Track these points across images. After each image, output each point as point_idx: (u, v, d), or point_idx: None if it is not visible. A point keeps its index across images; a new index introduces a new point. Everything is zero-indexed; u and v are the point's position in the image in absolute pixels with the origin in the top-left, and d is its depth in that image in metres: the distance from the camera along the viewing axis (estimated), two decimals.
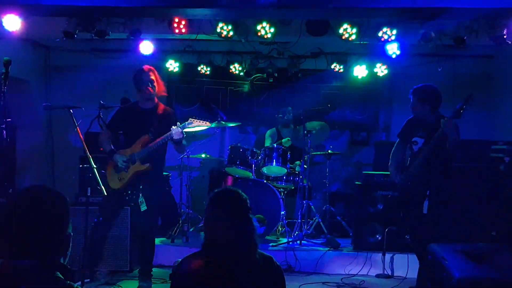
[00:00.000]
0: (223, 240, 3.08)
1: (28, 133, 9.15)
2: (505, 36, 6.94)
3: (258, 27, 7.36)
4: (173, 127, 6.17)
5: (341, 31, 7.36)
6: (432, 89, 6.31)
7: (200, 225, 8.63)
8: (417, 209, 6.26)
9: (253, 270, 3.06)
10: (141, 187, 6.20)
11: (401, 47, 7.58)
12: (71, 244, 2.53)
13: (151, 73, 6.29)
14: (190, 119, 6.40)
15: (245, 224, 3.12)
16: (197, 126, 6.48)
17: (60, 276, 2.37)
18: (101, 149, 6.36)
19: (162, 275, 6.77)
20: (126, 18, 7.26)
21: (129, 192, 6.26)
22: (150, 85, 6.27)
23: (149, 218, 6.32)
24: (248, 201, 3.19)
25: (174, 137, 6.17)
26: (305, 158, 8.24)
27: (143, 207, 6.17)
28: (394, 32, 7.26)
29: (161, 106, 6.42)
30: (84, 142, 5.56)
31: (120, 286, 6.52)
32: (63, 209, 2.51)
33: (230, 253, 3.05)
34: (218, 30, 7.39)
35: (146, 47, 7.98)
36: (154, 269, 6.54)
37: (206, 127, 7.41)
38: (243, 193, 3.21)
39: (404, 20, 7.12)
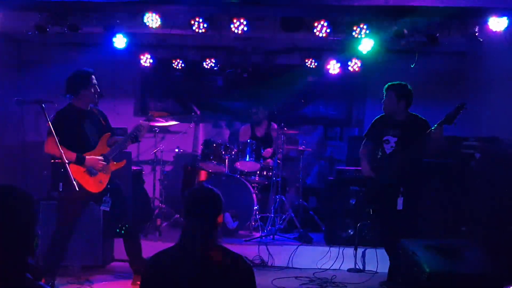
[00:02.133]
0: (187, 238, 3.17)
1: None
2: (477, 34, 7.03)
3: (233, 23, 7.36)
4: (141, 120, 6.21)
5: (315, 27, 7.38)
6: (408, 87, 6.41)
7: (172, 220, 8.64)
8: (390, 205, 6.31)
9: (217, 270, 3.10)
10: (108, 186, 6.14)
11: (373, 44, 7.64)
12: (38, 243, 2.51)
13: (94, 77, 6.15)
14: (150, 112, 6.48)
15: (210, 227, 3.19)
16: (159, 118, 6.50)
17: (30, 277, 2.35)
18: (56, 157, 5.84)
19: None
20: (99, 13, 7.20)
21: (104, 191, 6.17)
22: (97, 92, 6.14)
23: (129, 215, 6.37)
24: (221, 199, 3.27)
25: (142, 131, 6.18)
26: (278, 153, 8.28)
27: (105, 207, 6.10)
28: (367, 28, 7.31)
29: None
30: (56, 138, 5.47)
31: (92, 282, 6.48)
32: (30, 209, 2.49)
33: (190, 252, 3.11)
34: (193, 25, 7.37)
35: (120, 41, 7.93)
36: (125, 264, 6.54)
37: (174, 122, 7.47)
38: (217, 193, 3.28)
39: (377, 17, 7.18)
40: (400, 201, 6.24)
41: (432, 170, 6.96)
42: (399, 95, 6.34)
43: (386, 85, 6.43)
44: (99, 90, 6.11)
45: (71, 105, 6.09)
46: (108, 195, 6.09)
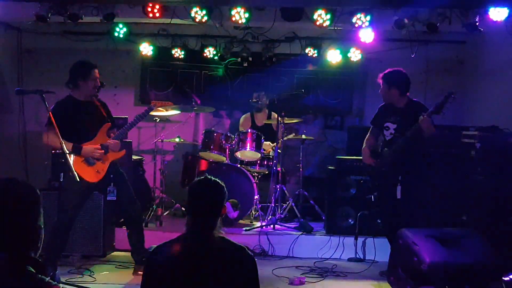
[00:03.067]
0: (191, 230, 3.20)
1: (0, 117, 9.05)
2: (477, 23, 7.02)
3: (233, 12, 7.35)
4: (143, 112, 6.27)
5: (315, 16, 7.38)
6: (399, 73, 6.41)
7: (173, 209, 8.67)
8: (390, 193, 6.33)
9: (220, 260, 3.12)
10: (111, 175, 6.16)
11: (374, 33, 7.63)
12: (42, 237, 2.50)
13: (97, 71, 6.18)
14: (152, 102, 6.53)
15: (213, 219, 3.23)
16: (161, 107, 6.56)
17: (32, 270, 2.34)
18: (55, 147, 6.07)
19: None
20: (99, 2, 7.19)
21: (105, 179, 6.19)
22: (98, 85, 6.17)
23: (138, 203, 6.40)
24: (225, 191, 3.29)
25: (141, 119, 6.24)
26: (279, 143, 8.28)
27: (112, 197, 6.13)
28: (368, 18, 7.31)
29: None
30: (56, 127, 5.47)
31: (92, 271, 6.50)
32: (33, 202, 2.46)
33: (193, 244, 3.13)
34: (193, 14, 7.36)
35: (120, 30, 7.92)
36: (126, 253, 6.57)
37: (175, 112, 7.49)
38: (221, 185, 3.29)
39: (377, 7, 7.16)
40: (398, 190, 6.27)
41: (432, 159, 6.95)
42: (389, 82, 6.37)
43: (381, 74, 6.45)
44: (99, 84, 6.13)
45: (70, 96, 6.11)
46: (112, 184, 6.12)
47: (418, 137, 6.09)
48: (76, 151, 5.89)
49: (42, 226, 2.49)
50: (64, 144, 5.45)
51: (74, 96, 6.11)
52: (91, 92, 6.12)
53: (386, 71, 6.44)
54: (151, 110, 6.41)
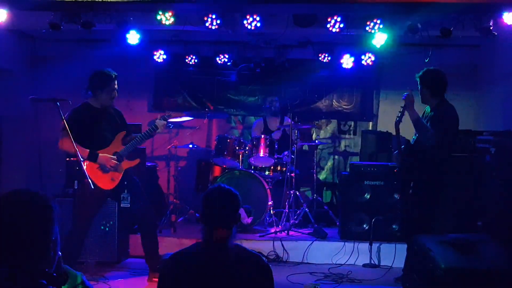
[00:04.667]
0: (206, 239, 3.20)
1: (15, 124, 9.07)
2: (491, 28, 6.98)
3: (246, 19, 7.35)
4: (157, 120, 6.24)
5: (328, 22, 7.36)
6: (434, 73, 6.23)
7: (187, 216, 8.67)
8: (405, 198, 6.31)
9: (236, 269, 3.12)
10: (125, 183, 6.18)
11: (387, 38, 7.62)
12: (57, 249, 2.43)
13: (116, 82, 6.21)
14: (167, 111, 6.56)
15: (227, 228, 3.24)
16: (175, 118, 6.57)
17: (44, 282, 2.27)
18: (71, 154, 6.05)
19: None
20: (112, 11, 7.22)
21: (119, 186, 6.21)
22: (115, 96, 6.22)
23: (152, 210, 6.44)
24: (239, 200, 3.29)
25: (158, 130, 6.22)
26: (293, 149, 8.27)
27: (126, 204, 6.16)
28: (380, 23, 7.29)
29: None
30: (71, 136, 5.51)
31: (107, 278, 6.52)
32: (45, 214, 2.38)
33: (208, 253, 3.14)
34: (206, 21, 7.38)
35: (133, 37, 7.95)
36: (142, 260, 6.60)
37: (186, 118, 7.51)
38: (235, 193, 3.29)
39: (390, 13, 7.15)
40: (410, 196, 6.24)
41: (447, 164, 6.90)
42: (422, 82, 6.22)
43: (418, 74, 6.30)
44: (116, 95, 6.17)
45: (87, 103, 6.15)
46: (126, 191, 6.14)
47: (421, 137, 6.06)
48: (92, 158, 5.93)
49: (55, 238, 2.41)
50: (79, 151, 5.48)
51: (91, 103, 6.15)
52: (108, 102, 6.16)
53: (423, 70, 6.27)
54: (155, 130, 6.34)
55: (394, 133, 6.35)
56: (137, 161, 6.34)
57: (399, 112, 6.09)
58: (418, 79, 6.25)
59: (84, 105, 6.15)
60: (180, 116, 6.84)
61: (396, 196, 7.45)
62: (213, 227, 3.22)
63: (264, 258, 3.27)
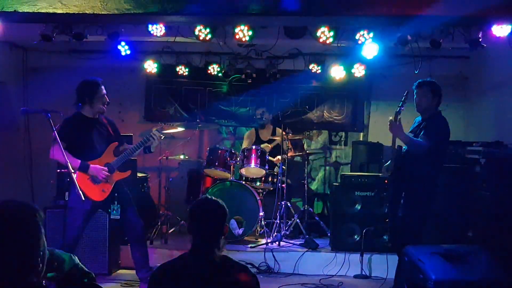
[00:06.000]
0: (193, 251, 3.21)
1: (5, 135, 9.05)
2: (480, 39, 7.03)
3: (236, 30, 7.38)
4: (153, 131, 6.21)
5: (318, 34, 7.40)
6: (436, 84, 6.25)
7: (178, 227, 8.65)
8: (394, 209, 6.32)
9: (222, 280, 3.13)
10: (116, 194, 6.17)
11: (377, 49, 7.65)
12: (45, 260, 2.43)
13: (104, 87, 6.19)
14: (160, 123, 6.53)
15: (214, 239, 3.23)
16: (168, 130, 6.56)
17: None
18: (62, 165, 5.91)
19: None
20: (104, 23, 7.23)
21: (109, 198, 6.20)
22: (106, 102, 6.18)
23: (141, 221, 6.39)
24: (226, 211, 3.30)
25: (154, 142, 6.20)
26: (283, 159, 8.28)
27: (116, 215, 6.14)
28: (371, 34, 7.34)
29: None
30: (62, 147, 5.49)
31: None
32: (32, 225, 2.38)
33: (195, 264, 3.14)
34: (197, 33, 7.40)
35: (124, 48, 7.97)
36: (131, 271, 6.58)
37: (179, 130, 7.51)
38: (221, 204, 3.30)
39: (380, 25, 7.19)
40: (401, 206, 6.25)
41: (438, 175, 6.93)
42: (433, 91, 6.17)
43: (419, 82, 6.25)
44: (107, 100, 6.15)
45: (79, 113, 6.13)
46: (116, 203, 6.13)
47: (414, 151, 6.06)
48: (83, 168, 5.92)
49: (44, 248, 2.41)
50: (69, 163, 5.46)
51: (83, 113, 6.14)
52: (100, 109, 6.15)
53: (426, 79, 6.28)
54: (147, 142, 6.33)
55: (385, 144, 6.38)
56: (128, 172, 6.31)
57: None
58: (417, 89, 6.24)
59: (76, 115, 6.13)
60: (171, 128, 6.81)
61: (385, 208, 7.42)
62: (198, 238, 3.23)
63: (250, 269, 3.28)
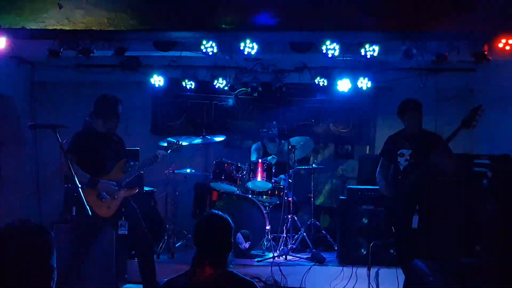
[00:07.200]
0: (198, 266, 3.21)
1: (13, 150, 9.06)
2: (486, 53, 7.03)
3: (242, 45, 7.39)
4: (159, 150, 6.28)
5: (324, 48, 7.39)
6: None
7: (185, 241, 8.65)
8: (406, 223, 6.31)
9: None
10: (123, 209, 6.18)
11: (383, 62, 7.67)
12: (55, 277, 2.46)
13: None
14: (169, 141, 6.95)
15: (220, 254, 3.24)
16: (175, 146, 6.97)
17: None
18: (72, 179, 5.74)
19: None
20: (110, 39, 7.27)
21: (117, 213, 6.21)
22: (120, 120, 6.28)
23: (149, 236, 6.41)
24: (231, 226, 3.30)
25: (159, 160, 6.25)
26: (290, 173, 8.28)
27: (123, 231, 6.15)
28: (376, 48, 7.33)
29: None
30: (69, 162, 5.50)
31: None
32: (45, 245, 2.43)
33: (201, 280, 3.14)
34: (202, 48, 7.42)
35: (131, 63, 8.01)
36: (140, 286, 6.56)
37: (186, 143, 7.55)
38: (226, 219, 3.30)
39: (385, 40, 7.20)
40: (415, 220, 6.23)
41: (444, 188, 6.92)
42: (421, 111, 6.50)
43: (415, 104, 6.49)
44: (120, 119, 6.21)
45: (91, 127, 6.18)
46: (123, 218, 6.14)
47: (437, 164, 6.12)
48: (92, 184, 5.94)
49: (55, 267, 2.46)
50: (79, 177, 5.47)
51: (95, 127, 6.18)
52: (113, 125, 6.19)
53: (417, 101, 6.53)
54: (156, 160, 6.39)
55: None
56: (135, 189, 6.34)
57: None
58: (420, 109, 6.48)
59: (88, 129, 6.19)
60: (179, 147, 6.91)
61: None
62: (204, 254, 3.23)
63: (257, 284, 3.28)
